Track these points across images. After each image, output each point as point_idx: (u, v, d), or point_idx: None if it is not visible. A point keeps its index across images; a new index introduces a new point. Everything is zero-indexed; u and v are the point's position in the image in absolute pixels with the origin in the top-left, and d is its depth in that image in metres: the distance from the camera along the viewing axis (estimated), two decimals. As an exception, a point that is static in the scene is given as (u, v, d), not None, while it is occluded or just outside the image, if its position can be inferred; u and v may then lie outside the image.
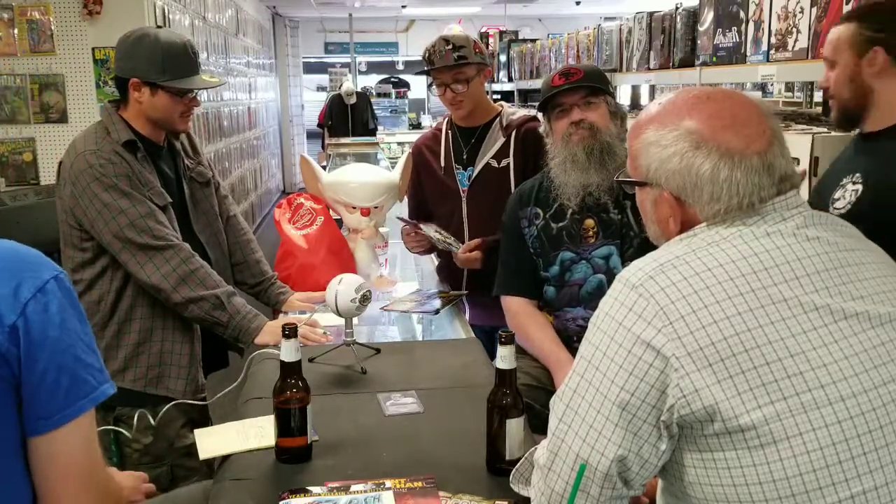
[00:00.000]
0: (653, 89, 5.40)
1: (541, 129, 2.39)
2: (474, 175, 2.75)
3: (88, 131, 2.23)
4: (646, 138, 1.20)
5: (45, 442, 1.11)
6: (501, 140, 2.73)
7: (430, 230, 2.66)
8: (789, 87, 6.38)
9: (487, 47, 7.45)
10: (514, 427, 1.45)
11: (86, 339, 1.15)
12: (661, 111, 1.21)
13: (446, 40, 2.67)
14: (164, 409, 2.07)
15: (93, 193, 2.12)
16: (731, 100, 1.19)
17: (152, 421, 2.09)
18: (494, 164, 2.72)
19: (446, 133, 2.85)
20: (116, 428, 2.13)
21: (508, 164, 2.70)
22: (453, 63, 2.64)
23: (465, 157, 2.78)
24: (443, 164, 2.82)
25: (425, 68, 2.72)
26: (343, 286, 2.00)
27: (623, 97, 5.70)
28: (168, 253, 2.14)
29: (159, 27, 2.28)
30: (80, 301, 2.11)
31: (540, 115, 2.40)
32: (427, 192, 2.86)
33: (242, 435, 1.64)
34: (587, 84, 2.20)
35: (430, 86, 2.81)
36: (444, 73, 2.67)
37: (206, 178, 2.44)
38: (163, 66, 2.16)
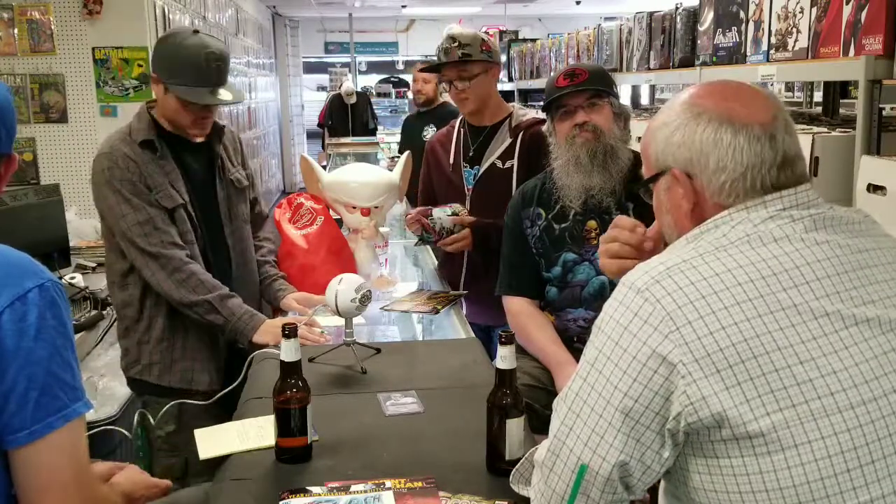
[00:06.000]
0: (653, 89, 5.39)
1: (544, 129, 2.39)
2: (479, 174, 2.76)
3: (118, 129, 2.29)
4: (652, 128, 1.21)
5: (23, 456, 1.10)
6: (508, 141, 2.73)
7: (440, 213, 2.67)
8: (789, 87, 6.37)
9: (488, 47, 7.43)
10: (514, 427, 1.45)
11: (64, 353, 1.13)
12: (662, 108, 1.22)
13: (453, 38, 2.71)
14: (164, 409, 2.10)
15: (102, 195, 2.21)
16: (737, 83, 1.21)
17: (152, 421, 2.10)
18: (499, 164, 2.73)
19: (458, 131, 2.87)
20: (116, 428, 2.14)
21: (512, 165, 2.71)
22: (457, 60, 2.68)
23: (472, 155, 2.79)
24: (451, 161, 2.83)
25: (434, 65, 2.80)
26: (343, 286, 2.00)
27: (623, 97, 5.69)
28: (161, 261, 2.19)
29: (196, 31, 2.24)
30: (116, 296, 2.14)
31: (543, 115, 2.40)
32: (435, 188, 2.89)
33: (242, 435, 1.64)
34: (591, 87, 2.20)
35: (439, 82, 2.87)
36: (450, 70, 2.73)
37: (242, 186, 2.47)
38: (172, 69, 2.17)
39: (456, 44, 2.70)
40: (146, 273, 2.20)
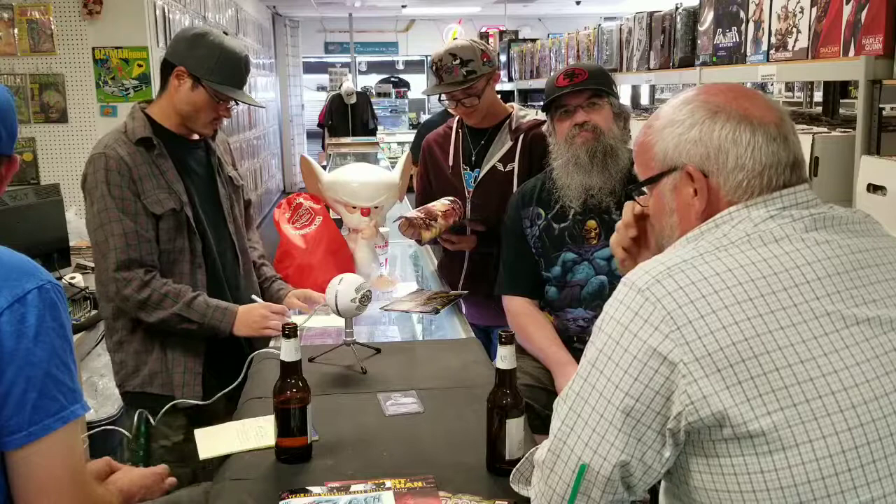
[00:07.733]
0: (653, 89, 5.39)
1: (544, 129, 2.38)
2: (480, 177, 2.73)
3: (113, 129, 2.26)
4: (657, 126, 1.20)
5: (20, 457, 1.10)
6: (509, 144, 2.70)
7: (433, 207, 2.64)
8: (789, 87, 6.37)
9: (487, 47, 7.43)
10: (514, 427, 1.45)
11: (63, 355, 1.13)
12: (665, 108, 1.22)
13: (453, 55, 2.61)
14: (164, 408, 2.09)
15: (90, 199, 2.18)
16: (738, 85, 1.22)
17: (152, 421, 2.09)
18: (500, 167, 2.71)
19: (457, 132, 2.82)
20: (116, 428, 2.13)
21: (513, 168, 2.68)
22: (462, 80, 2.61)
23: (473, 158, 2.77)
24: (451, 163, 2.80)
25: (435, 85, 2.67)
26: (343, 286, 2.00)
27: (623, 97, 5.70)
28: (122, 283, 2.14)
29: (225, 33, 2.31)
30: (104, 308, 2.11)
31: (543, 115, 2.39)
32: (434, 190, 2.85)
33: (242, 435, 1.64)
34: (591, 87, 2.20)
35: (440, 99, 2.77)
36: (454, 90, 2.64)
37: (239, 183, 2.49)
38: (213, 66, 2.18)
39: (458, 61, 2.60)
40: (111, 290, 2.17)
